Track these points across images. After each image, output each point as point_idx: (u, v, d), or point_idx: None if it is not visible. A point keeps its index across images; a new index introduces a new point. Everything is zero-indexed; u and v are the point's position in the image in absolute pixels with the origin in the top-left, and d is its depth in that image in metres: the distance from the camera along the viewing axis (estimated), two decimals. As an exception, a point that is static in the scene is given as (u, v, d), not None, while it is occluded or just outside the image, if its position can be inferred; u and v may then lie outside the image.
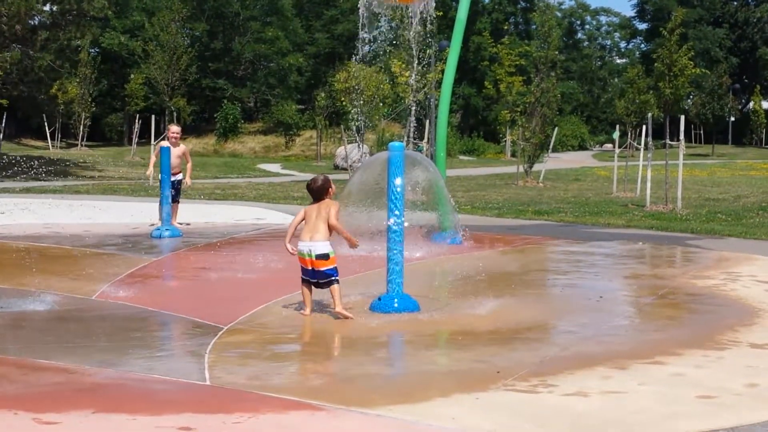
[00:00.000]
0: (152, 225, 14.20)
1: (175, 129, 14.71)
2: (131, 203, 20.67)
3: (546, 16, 33.71)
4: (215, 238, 13.82)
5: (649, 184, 20.74)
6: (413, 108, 31.70)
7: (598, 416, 5.17)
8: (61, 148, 53.01)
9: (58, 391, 5.56)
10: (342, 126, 42.85)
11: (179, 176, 14.68)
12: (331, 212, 7.84)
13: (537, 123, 31.59)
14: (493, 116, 57.03)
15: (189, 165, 14.82)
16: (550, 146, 32.88)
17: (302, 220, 7.94)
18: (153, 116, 33.42)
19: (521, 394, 5.52)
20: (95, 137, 58.15)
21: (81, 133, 53.09)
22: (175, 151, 14.30)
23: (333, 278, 7.78)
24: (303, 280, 7.94)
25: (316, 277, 7.81)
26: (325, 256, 7.76)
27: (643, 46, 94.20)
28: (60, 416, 4.97)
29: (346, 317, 7.70)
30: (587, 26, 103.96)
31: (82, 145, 52.83)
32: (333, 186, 8.09)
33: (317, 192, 7.98)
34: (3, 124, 43.24)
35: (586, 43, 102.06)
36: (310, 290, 7.93)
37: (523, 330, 7.54)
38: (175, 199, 14.44)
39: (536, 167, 32.32)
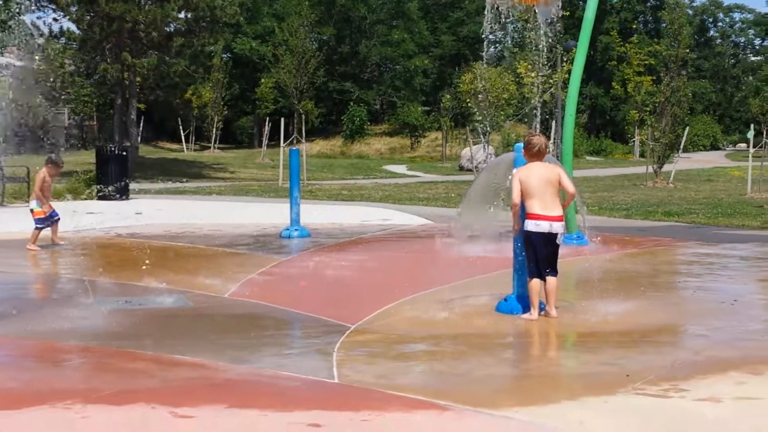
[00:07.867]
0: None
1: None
2: (261, 204, 21.14)
3: (676, 14, 32.94)
4: (342, 239, 14.01)
5: (786, 185, 20.03)
6: (539, 109, 31.43)
7: (731, 423, 5.03)
8: (195, 150, 54.62)
9: (192, 386, 5.73)
10: (467, 127, 42.82)
11: None
12: None
13: (667, 123, 30.89)
14: (621, 116, 56.07)
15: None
16: (681, 146, 32.05)
17: None
18: (282, 119, 34.11)
19: (651, 399, 5.40)
20: (227, 140, 59.75)
21: (214, 135, 54.60)
22: None
23: None
24: None
25: None
26: None
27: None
28: (195, 410, 5.12)
29: None
30: (720, 23, 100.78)
31: (214, 148, 54.31)
32: None
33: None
34: (141, 128, 44.81)
35: (718, 41, 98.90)
36: None
37: (653, 333, 7.40)
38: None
39: (666, 168, 31.56)
